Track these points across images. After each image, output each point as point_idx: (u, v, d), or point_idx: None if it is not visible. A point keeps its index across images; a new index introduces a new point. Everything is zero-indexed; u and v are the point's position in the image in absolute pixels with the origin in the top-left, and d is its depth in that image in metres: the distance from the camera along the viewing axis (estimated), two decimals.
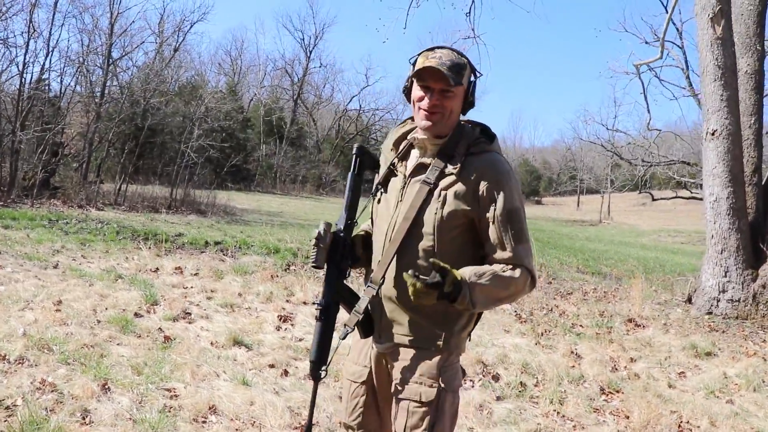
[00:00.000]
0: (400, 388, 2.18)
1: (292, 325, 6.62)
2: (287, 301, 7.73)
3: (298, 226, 19.31)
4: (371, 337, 2.29)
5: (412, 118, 2.38)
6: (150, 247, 10.79)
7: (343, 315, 2.27)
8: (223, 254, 11.22)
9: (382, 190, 2.33)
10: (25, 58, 18.46)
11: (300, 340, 6.04)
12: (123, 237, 12.00)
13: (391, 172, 2.32)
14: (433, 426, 2.12)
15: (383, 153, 2.40)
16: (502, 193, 2.10)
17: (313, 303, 2.12)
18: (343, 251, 2.24)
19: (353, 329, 2.23)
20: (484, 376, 5.44)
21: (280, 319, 6.72)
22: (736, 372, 6.12)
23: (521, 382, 5.28)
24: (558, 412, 4.72)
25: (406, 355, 2.19)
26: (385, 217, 2.26)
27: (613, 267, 15.18)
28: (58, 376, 4.31)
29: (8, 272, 7.44)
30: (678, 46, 24.39)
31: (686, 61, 24.04)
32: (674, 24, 23.21)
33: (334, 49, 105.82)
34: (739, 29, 9.19)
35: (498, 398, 4.92)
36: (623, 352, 6.60)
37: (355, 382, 2.36)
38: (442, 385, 2.14)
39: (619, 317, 8.35)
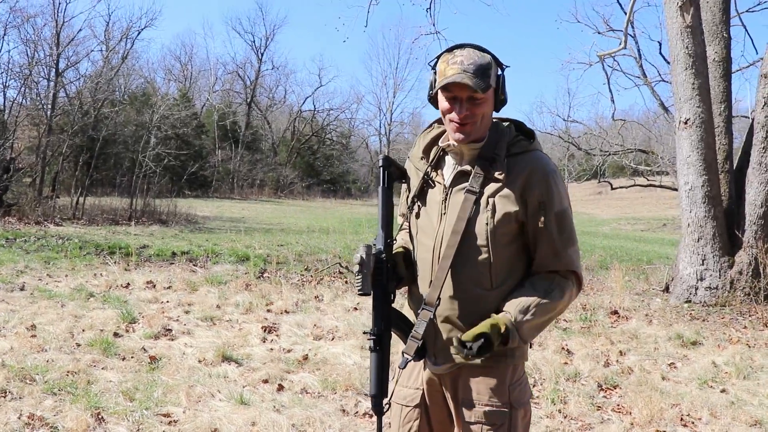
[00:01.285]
0: (467, 411, 2.06)
1: (277, 335, 6.47)
2: (268, 310, 7.57)
3: (262, 231, 19.06)
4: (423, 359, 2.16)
5: (438, 121, 2.24)
6: (117, 262, 10.48)
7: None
8: (194, 265, 10.98)
9: (419, 204, 2.18)
10: None
11: (288, 351, 5.89)
12: (87, 252, 11.65)
13: (426, 183, 2.17)
14: None
15: (412, 162, 2.25)
16: (551, 196, 2.01)
17: (364, 332, 1.96)
18: (388, 274, 2.10)
19: (414, 356, 2.07)
20: None
21: (264, 330, 6.56)
22: (724, 360, 6.16)
23: None
24: (561, 412, 4.67)
25: (469, 375, 2.07)
26: (428, 233, 2.12)
27: (582, 258, 15.30)
28: (46, 408, 4.08)
29: None
30: (630, 35, 24.73)
31: (639, 50, 24.39)
32: (624, 12, 23.47)
33: (286, 50, 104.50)
34: (705, 17, 9.29)
35: None
36: (612, 346, 6.60)
37: (407, 406, 2.20)
38: (513, 405, 2.05)
39: (601, 310, 8.38)
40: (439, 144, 2.17)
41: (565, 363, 5.91)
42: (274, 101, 61.57)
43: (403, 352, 2.07)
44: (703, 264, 8.65)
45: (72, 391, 4.40)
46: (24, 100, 23.08)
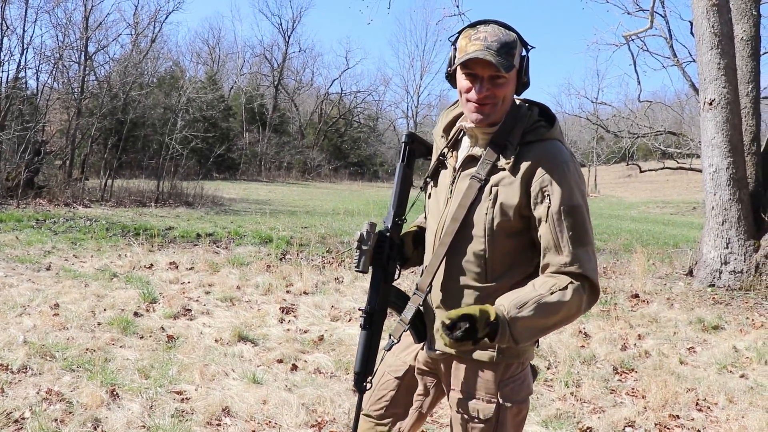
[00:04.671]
0: (455, 401, 2.04)
1: (295, 316, 6.52)
2: (287, 291, 7.63)
3: (288, 213, 19.15)
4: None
5: None
6: (142, 243, 10.61)
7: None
8: (217, 246, 11.08)
9: (432, 183, 2.13)
10: (0, 57, 18.05)
11: (305, 332, 5.94)
12: (113, 234, 11.81)
13: (441, 164, 2.10)
14: None
15: (435, 139, 2.18)
16: (557, 188, 1.84)
17: (359, 309, 1.98)
18: (389, 253, 2.06)
19: (398, 341, 2.07)
20: None
21: (282, 311, 6.62)
22: (746, 345, 6.08)
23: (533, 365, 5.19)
24: (574, 395, 4.65)
25: (460, 365, 2.04)
26: (435, 216, 2.07)
27: (607, 241, 15.17)
28: (63, 384, 4.18)
29: (1, 276, 7.27)
30: (660, 14, 24.20)
31: (669, 30, 23.87)
32: None
33: (313, 32, 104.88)
34: None
35: None
36: (630, 329, 6.54)
37: (388, 374, 2.21)
38: (501, 401, 1.98)
39: (622, 293, 8.30)
40: (458, 124, 2.08)
41: (582, 346, 5.89)
42: (302, 84, 61.63)
43: (390, 334, 2.06)
44: (727, 248, 8.50)
45: (89, 368, 4.49)
46: (56, 84, 23.41)
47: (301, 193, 33.05)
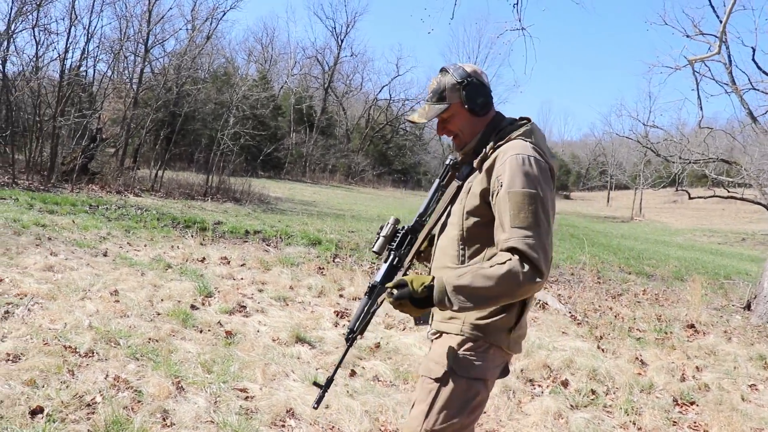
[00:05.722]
0: (422, 364, 2.35)
1: (349, 321, 6.50)
2: (340, 295, 7.62)
3: (333, 216, 19.15)
4: None
5: None
6: (193, 236, 10.74)
7: None
8: (267, 244, 11.15)
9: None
10: (66, 45, 18.45)
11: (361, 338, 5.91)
12: (164, 224, 11.98)
13: (449, 175, 2.51)
14: (433, 401, 2.21)
15: None
16: (507, 175, 2.10)
17: (368, 283, 2.32)
18: (402, 241, 2.43)
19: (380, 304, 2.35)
20: (552, 381, 5.28)
21: (336, 315, 6.62)
22: None
23: (592, 390, 5.11)
24: (635, 424, 4.56)
25: (437, 341, 2.34)
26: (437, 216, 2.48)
27: (655, 267, 14.87)
28: (130, 372, 4.23)
29: (62, 259, 7.41)
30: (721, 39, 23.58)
31: (729, 56, 23.31)
32: (717, 16, 22.43)
33: (365, 38, 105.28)
34: None
35: (572, 407, 4.75)
36: (687, 360, 6.39)
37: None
38: (454, 369, 2.20)
39: (677, 322, 8.11)
40: None
41: (639, 374, 5.77)
42: (351, 88, 61.93)
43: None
44: None
45: (153, 358, 4.54)
46: (113, 74, 23.86)
47: (345, 197, 33.17)
